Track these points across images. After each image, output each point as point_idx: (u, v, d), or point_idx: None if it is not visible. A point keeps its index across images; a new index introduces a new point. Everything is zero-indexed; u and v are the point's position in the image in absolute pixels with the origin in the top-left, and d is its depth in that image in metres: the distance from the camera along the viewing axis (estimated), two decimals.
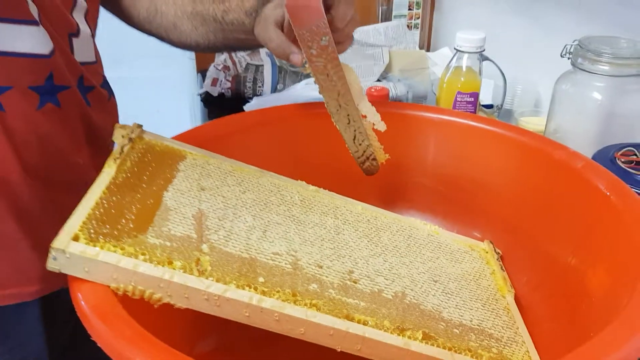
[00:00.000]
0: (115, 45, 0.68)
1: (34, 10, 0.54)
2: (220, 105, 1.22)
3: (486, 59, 0.82)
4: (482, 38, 0.80)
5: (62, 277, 0.40)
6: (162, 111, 2.13)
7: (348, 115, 0.61)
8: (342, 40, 0.60)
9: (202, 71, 1.41)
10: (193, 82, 2.16)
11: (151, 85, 2.05)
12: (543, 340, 0.54)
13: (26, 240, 0.58)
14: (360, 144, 0.63)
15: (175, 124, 2.15)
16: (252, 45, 0.72)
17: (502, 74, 0.85)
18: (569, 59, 0.76)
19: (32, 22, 0.53)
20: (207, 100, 1.25)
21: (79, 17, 0.61)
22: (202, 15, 0.71)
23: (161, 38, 0.75)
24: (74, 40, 0.60)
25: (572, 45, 0.76)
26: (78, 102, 0.60)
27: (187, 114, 2.27)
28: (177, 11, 0.72)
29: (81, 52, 0.61)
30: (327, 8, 0.58)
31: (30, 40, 0.54)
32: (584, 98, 0.75)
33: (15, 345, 0.63)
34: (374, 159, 0.64)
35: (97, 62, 0.65)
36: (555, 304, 0.57)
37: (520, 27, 1.10)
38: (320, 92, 0.60)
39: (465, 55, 0.81)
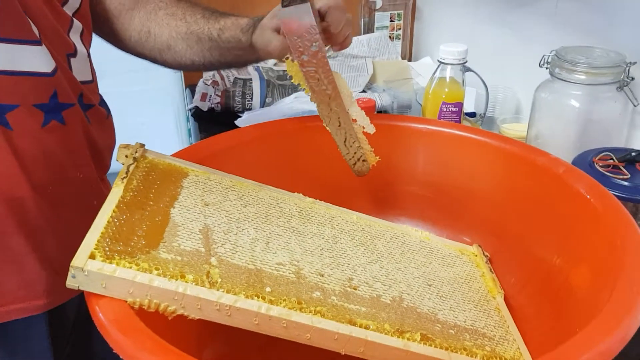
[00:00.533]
0: (98, 61, 0.69)
1: (35, 30, 0.56)
2: (211, 120, 1.24)
3: (468, 69, 0.85)
4: (464, 50, 0.83)
5: (68, 290, 0.42)
6: (148, 125, 2.14)
7: (339, 118, 0.63)
8: (340, 41, 0.64)
9: (190, 86, 1.44)
10: (178, 96, 2.18)
11: (135, 100, 2.07)
12: (532, 337, 0.57)
13: (33, 255, 0.60)
14: (351, 146, 0.65)
15: (161, 138, 2.17)
16: (248, 60, 0.74)
17: (484, 84, 0.89)
18: (547, 68, 0.80)
19: (35, 42, 0.55)
20: (198, 115, 1.27)
21: (75, 37, 0.62)
22: (197, 35, 0.72)
23: (154, 60, 0.76)
24: (72, 60, 0.62)
25: (549, 55, 0.79)
26: (81, 119, 0.62)
27: (174, 128, 2.28)
28: (171, 32, 0.73)
29: (79, 72, 0.63)
30: (322, 16, 0.61)
31: (33, 59, 0.55)
32: (562, 105, 0.79)
33: None
34: (364, 161, 0.67)
35: (94, 82, 0.67)
36: (542, 302, 0.60)
37: (499, 36, 1.14)
38: (311, 98, 0.63)
39: (449, 67, 0.85)
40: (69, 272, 0.41)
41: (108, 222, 0.46)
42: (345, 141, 0.65)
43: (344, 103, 0.63)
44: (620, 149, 0.72)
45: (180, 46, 0.74)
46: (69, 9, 0.61)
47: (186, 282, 0.43)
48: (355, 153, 0.66)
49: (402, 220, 0.74)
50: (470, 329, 0.54)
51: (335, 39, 0.63)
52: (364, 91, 1.29)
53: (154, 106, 2.18)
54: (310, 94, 0.63)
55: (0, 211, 0.56)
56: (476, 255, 0.68)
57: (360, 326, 0.47)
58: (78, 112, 0.61)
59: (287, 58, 0.62)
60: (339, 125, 0.64)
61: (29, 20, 0.55)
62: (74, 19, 0.62)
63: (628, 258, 0.48)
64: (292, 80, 0.63)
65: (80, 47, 0.63)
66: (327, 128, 0.65)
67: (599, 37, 0.84)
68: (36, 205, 0.59)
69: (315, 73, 0.59)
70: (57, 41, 0.59)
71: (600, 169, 0.67)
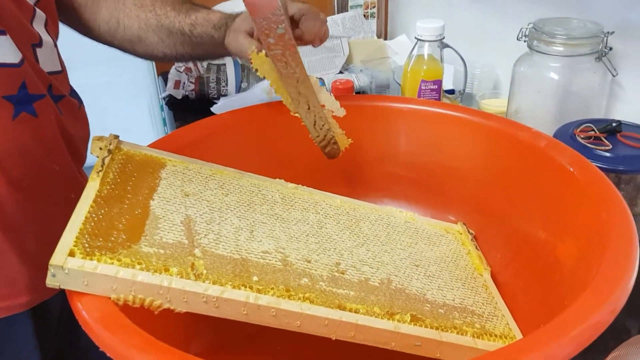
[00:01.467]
0: (67, 53, 0.67)
1: None
2: (186, 108, 1.22)
3: (446, 46, 0.84)
4: (441, 26, 0.82)
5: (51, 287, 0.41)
6: (122, 116, 2.11)
7: (307, 101, 0.62)
8: (316, 43, 0.64)
9: (163, 74, 1.41)
10: (151, 85, 2.15)
11: (107, 91, 2.03)
12: (520, 312, 0.57)
13: (13, 252, 0.58)
14: (320, 129, 0.64)
15: (137, 127, 2.14)
16: (221, 55, 0.73)
17: (463, 60, 0.88)
18: (525, 41, 0.80)
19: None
20: (172, 103, 1.25)
21: (39, 27, 0.61)
22: (168, 28, 0.71)
23: (126, 50, 0.75)
24: (38, 50, 0.60)
25: (527, 28, 0.79)
26: (52, 110, 0.60)
27: (148, 118, 2.25)
28: (140, 24, 0.72)
29: (47, 62, 0.61)
30: (295, 22, 0.61)
31: None
32: (542, 78, 0.78)
33: None
34: (335, 143, 0.66)
35: (63, 72, 0.65)
36: (528, 277, 0.60)
37: (474, 11, 1.13)
38: (276, 89, 0.62)
39: (426, 44, 0.84)
40: (49, 271, 0.40)
41: (86, 217, 0.44)
42: (314, 124, 0.64)
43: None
44: (600, 120, 0.72)
45: (151, 39, 0.73)
46: None
47: (171, 275, 0.42)
48: (325, 136, 0.65)
49: (386, 202, 0.74)
50: (459, 307, 0.54)
51: (310, 42, 0.63)
52: (340, 72, 1.27)
53: (127, 97, 2.15)
54: (274, 86, 0.62)
55: None
56: (461, 234, 0.68)
57: (350, 310, 0.47)
58: (49, 104, 0.60)
59: (252, 51, 0.61)
60: (308, 109, 0.63)
61: None
62: (36, 9, 0.60)
63: (614, 229, 0.48)
64: (258, 74, 0.62)
65: (45, 37, 0.61)
66: (296, 113, 0.64)
67: (576, 8, 0.84)
68: (12, 200, 0.57)
69: (282, 56, 0.58)
70: (20, 31, 0.57)
71: (582, 141, 0.67)
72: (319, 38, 0.64)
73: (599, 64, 0.75)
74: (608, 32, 0.74)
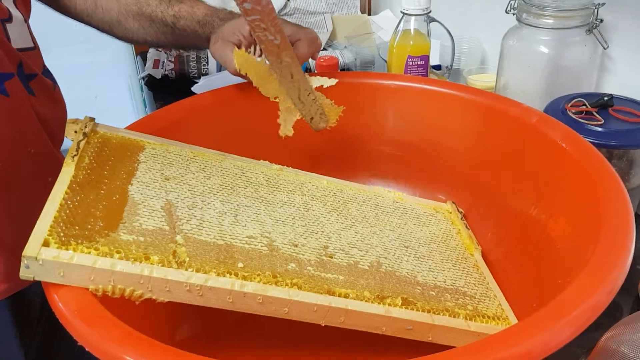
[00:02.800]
0: (42, 33, 0.65)
1: None
2: (166, 87, 1.19)
3: (433, 20, 0.82)
4: (427, 0, 0.80)
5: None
6: (101, 97, 2.07)
7: (290, 71, 0.60)
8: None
9: (141, 53, 1.37)
10: (130, 65, 2.10)
11: (85, 72, 1.99)
12: (513, 291, 0.56)
13: None
14: (306, 99, 0.62)
15: (116, 109, 2.10)
16: (203, 47, 0.71)
17: (450, 35, 0.86)
18: (513, 14, 0.78)
19: None
20: (151, 83, 1.21)
21: (7, 2, 0.58)
22: (149, 17, 0.69)
23: (104, 31, 0.73)
24: (8, 26, 0.57)
25: (515, 0, 0.77)
26: (22, 90, 0.58)
27: (128, 98, 2.21)
28: (120, 9, 0.70)
29: (18, 38, 0.58)
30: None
31: None
32: (531, 52, 0.77)
33: None
34: (322, 114, 0.64)
35: (36, 49, 0.62)
36: (520, 256, 0.59)
37: None
38: (261, 50, 0.59)
39: (413, 18, 0.81)
40: (22, 263, 0.38)
41: (60, 204, 0.42)
42: (299, 96, 0.62)
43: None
44: (592, 94, 0.70)
45: (131, 24, 0.70)
46: None
47: (151, 264, 0.40)
48: (311, 107, 0.63)
49: (373, 182, 0.72)
50: (450, 289, 0.53)
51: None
52: (324, 49, 1.25)
53: (106, 78, 2.10)
54: (258, 85, 0.61)
55: None
56: (450, 213, 0.66)
57: (339, 295, 0.45)
58: (18, 83, 0.57)
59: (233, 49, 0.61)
60: (292, 78, 0.60)
61: None
62: None
63: (609, 206, 0.46)
64: (241, 72, 0.61)
65: (15, 11, 0.58)
66: (279, 82, 0.61)
67: None
68: None
69: (261, 22, 0.54)
70: None
71: (573, 116, 0.66)
72: (309, 57, 0.65)
73: (589, 37, 0.74)
74: (599, 4, 0.73)
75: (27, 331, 0.64)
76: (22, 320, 0.63)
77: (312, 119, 0.64)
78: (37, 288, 0.61)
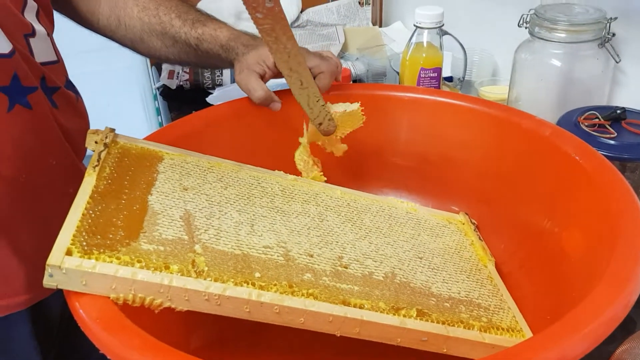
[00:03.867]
0: (57, 42, 0.66)
1: None
2: (180, 98, 1.20)
3: (446, 33, 0.83)
4: (440, 13, 0.81)
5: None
6: (113, 106, 2.09)
7: (300, 78, 0.61)
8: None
9: (156, 64, 1.39)
10: (143, 74, 2.12)
11: (98, 80, 2.01)
12: (526, 303, 0.56)
13: (9, 249, 0.57)
14: (314, 106, 0.63)
15: (129, 118, 2.12)
16: (226, 67, 0.73)
17: (462, 47, 0.87)
18: (526, 28, 0.78)
19: None
20: (166, 93, 1.23)
21: (30, 17, 0.59)
22: (173, 37, 0.70)
23: (126, 46, 0.74)
24: (31, 40, 0.58)
25: (528, 14, 0.77)
26: (46, 103, 0.59)
27: (140, 107, 2.23)
28: (144, 27, 0.70)
29: (41, 53, 0.59)
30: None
31: None
32: (544, 65, 0.77)
33: None
34: (331, 119, 0.64)
35: (59, 62, 0.63)
36: (534, 268, 0.59)
37: None
38: (270, 54, 0.60)
39: (425, 31, 0.82)
40: (46, 271, 0.38)
41: (83, 214, 0.43)
42: (308, 102, 0.63)
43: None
44: (604, 107, 0.71)
45: (155, 43, 0.71)
46: None
47: (171, 273, 0.41)
48: (320, 112, 0.63)
49: (386, 192, 0.73)
50: (465, 301, 0.53)
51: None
52: None
53: (119, 86, 2.12)
54: (269, 51, 0.59)
55: None
56: (464, 224, 0.67)
57: (355, 306, 0.46)
58: (42, 96, 0.58)
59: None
60: (301, 85, 0.61)
61: None
62: None
63: (623, 219, 0.47)
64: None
65: (38, 26, 0.59)
66: (290, 89, 0.62)
67: None
68: (7, 197, 0.56)
69: (272, 30, 0.55)
70: (11, 21, 0.55)
71: (586, 129, 0.66)
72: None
73: (601, 51, 0.74)
74: (611, 18, 0.73)
75: (46, 342, 0.64)
76: (42, 332, 0.63)
77: (320, 124, 0.64)
78: (56, 300, 0.62)
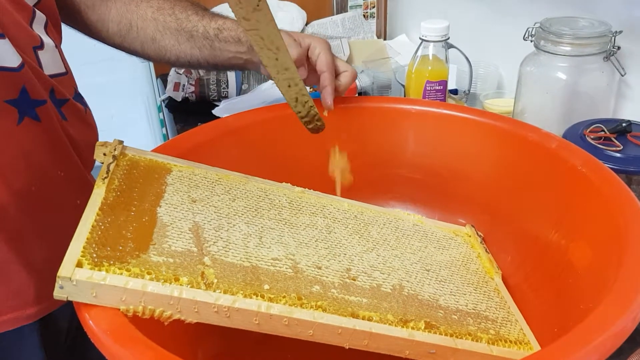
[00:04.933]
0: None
1: None
2: (186, 110, 1.21)
3: (451, 46, 0.83)
4: (446, 26, 0.81)
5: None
6: (118, 117, 2.10)
7: (289, 82, 0.60)
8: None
9: (162, 76, 1.40)
10: (147, 85, 2.13)
11: (102, 91, 2.02)
12: (533, 316, 0.56)
13: (19, 262, 0.57)
14: (303, 106, 0.63)
15: (133, 129, 2.13)
16: (236, 65, 0.72)
17: (468, 60, 0.87)
18: (531, 41, 0.79)
19: None
20: (172, 105, 1.24)
21: (39, 29, 0.59)
22: (189, 32, 0.70)
23: (134, 52, 0.74)
24: (40, 53, 0.59)
25: (533, 28, 0.78)
26: (55, 115, 0.59)
27: (144, 118, 2.24)
28: (157, 26, 0.71)
29: (50, 65, 0.60)
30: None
31: None
32: (549, 78, 0.77)
33: None
34: (319, 120, 0.64)
35: (68, 74, 0.64)
36: (540, 280, 0.59)
37: (475, 10, 1.12)
38: (258, 55, 0.59)
39: (431, 45, 0.83)
40: (56, 283, 0.38)
41: (92, 226, 0.43)
42: (296, 100, 0.62)
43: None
44: (610, 120, 0.71)
45: (167, 41, 0.71)
46: (29, 0, 0.58)
47: (181, 285, 0.41)
48: (308, 112, 0.63)
49: (392, 204, 0.73)
50: (472, 313, 0.53)
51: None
52: None
53: (123, 98, 2.14)
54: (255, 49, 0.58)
55: None
56: (470, 236, 0.67)
57: (363, 318, 0.46)
58: (51, 109, 0.58)
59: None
60: (289, 86, 0.61)
61: None
62: (36, 10, 0.59)
63: (631, 232, 0.47)
64: None
65: (46, 39, 0.60)
66: (278, 88, 0.62)
67: (583, 7, 0.83)
68: (17, 209, 0.56)
69: (258, 36, 0.54)
70: (20, 34, 0.56)
71: (592, 142, 0.66)
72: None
73: (606, 64, 0.75)
74: (616, 32, 0.73)
75: (54, 354, 0.64)
76: (50, 344, 0.63)
77: (308, 122, 0.64)
78: (64, 313, 0.63)
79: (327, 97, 0.67)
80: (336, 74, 0.68)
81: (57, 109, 0.59)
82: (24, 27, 0.57)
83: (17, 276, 0.57)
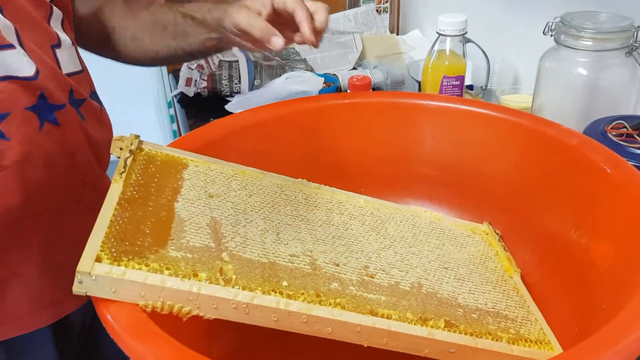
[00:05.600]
0: None
1: (9, 32, 0.52)
2: (198, 105, 1.21)
3: (469, 41, 0.82)
4: (464, 20, 0.80)
5: (72, 301, 0.39)
6: (128, 113, 2.10)
7: None
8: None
9: (174, 72, 1.39)
10: (157, 81, 2.13)
11: (112, 87, 2.01)
12: (553, 315, 0.56)
13: (36, 267, 0.57)
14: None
15: (143, 125, 2.13)
16: (211, 46, 0.69)
17: (485, 55, 0.86)
18: (551, 36, 0.77)
19: (7, 46, 0.51)
20: (183, 101, 1.23)
21: (56, 26, 0.59)
22: (161, 23, 0.69)
23: (116, 56, 0.73)
24: (57, 51, 0.58)
25: (553, 22, 0.77)
26: (75, 117, 0.58)
27: (154, 114, 2.24)
28: (137, 25, 0.70)
29: (67, 63, 0.59)
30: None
31: (11, 64, 0.51)
32: (569, 74, 0.76)
33: None
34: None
35: (84, 71, 0.63)
36: (560, 278, 0.59)
37: (490, 5, 1.11)
38: None
39: (448, 39, 0.82)
40: (76, 278, 0.38)
41: (111, 221, 0.43)
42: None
43: None
44: (632, 116, 0.70)
45: (145, 38, 0.70)
46: None
47: (200, 280, 0.41)
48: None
49: (408, 201, 0.72)
50: (492, 312, 0.52)
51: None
52: (354, 68, 1.26)
53: (133, 94, 2.13)
54: None
55: None
56: (487, 234, 0.66)
57: (382, 316, 0.45)
58: (70, 112, 0.58)
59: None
60: None
61: (5, 19, 0.51)
62: (53, 6, 0.58)
63: None
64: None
65: (63, 35, 0.59)
66: None
67: (604, 1, 0.81)
68: (37, 214, 0.55)
69: None
70: (38, 33, 0.55)
71: (614, 138, 0.65)
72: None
73: (628, 59, 0.73)
74: (638, 26, 0.72)
75: (67, 353, 0.64)
76: (64, 348, 0.63)
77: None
78: (76, 316, 0.62)
79: (305, 32, 0.60)
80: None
81: (76, 110, 0.59)
82: (42, 25, 0.56)
83: (35, 280, 0.57)
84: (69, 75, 0.59)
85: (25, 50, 0.53)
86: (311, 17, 0.61)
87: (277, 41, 0.59)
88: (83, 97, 0.60)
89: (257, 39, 0.60)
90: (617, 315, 0.39)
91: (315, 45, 0.62)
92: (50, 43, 0.57)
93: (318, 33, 0.62)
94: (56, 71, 0.56)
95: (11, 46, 0.52)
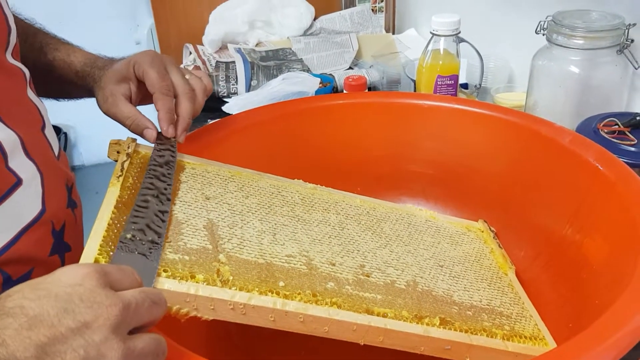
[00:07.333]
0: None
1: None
2: None
3: (462, 40, 0.83)
4: (457, 20, 0.81)
5: None
6: None
7: None
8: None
9: None
10: None
11: None
12: (547, 311, 0.56)
13: None
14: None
15: None
16: (83, 96, 0.66)
17: (479, 55, 0.87)
18: (543, 34, 0.78)
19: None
20: None
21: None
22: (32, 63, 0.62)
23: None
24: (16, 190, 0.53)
25: (546, 21, 0.77)
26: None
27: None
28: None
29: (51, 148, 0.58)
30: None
31: (19, 206, 0.51)
32: (562, 72, 0.77)
33: None
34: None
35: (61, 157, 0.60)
36: (554, 275, 0.59)
37: (484, 4, 1.11)
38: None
39: (442, 39, 0.82)
40: None
41: (109, 224, 0.43)
42: None
43: None
44: (624, 113, 0.70)
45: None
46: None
47: (197, 282, 0.41)
48: None
49: (404, 200, 0.73)
50: (487, 309, 0.53)
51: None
52: (350, 68, 1.26)
53: None
54: None
55: None
56: (482, 231, 0.67)
57: (378, 315, 0.46)
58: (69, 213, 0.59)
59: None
60: None
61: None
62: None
63: None
64: None
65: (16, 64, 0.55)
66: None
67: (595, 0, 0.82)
68: (58, 234, 0.56)
69: None
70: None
71: (606, 136, 0.66)
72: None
73: (620, 57, 0.74)
74: (629, 25, 0.73)
75: None
76: None
77: None
78: None
79: (163, 125, 0.56)
80: (175, 96, 0.58)
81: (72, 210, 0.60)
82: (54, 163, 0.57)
83: None
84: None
85: None
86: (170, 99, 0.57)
87: (149, 133, 0.56)
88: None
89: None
90: (608, 309, 0.39)
91: (178, 141, 0.57)
92: (38, 126, 0.56)
93: (180, 119, 0.58)
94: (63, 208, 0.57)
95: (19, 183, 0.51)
